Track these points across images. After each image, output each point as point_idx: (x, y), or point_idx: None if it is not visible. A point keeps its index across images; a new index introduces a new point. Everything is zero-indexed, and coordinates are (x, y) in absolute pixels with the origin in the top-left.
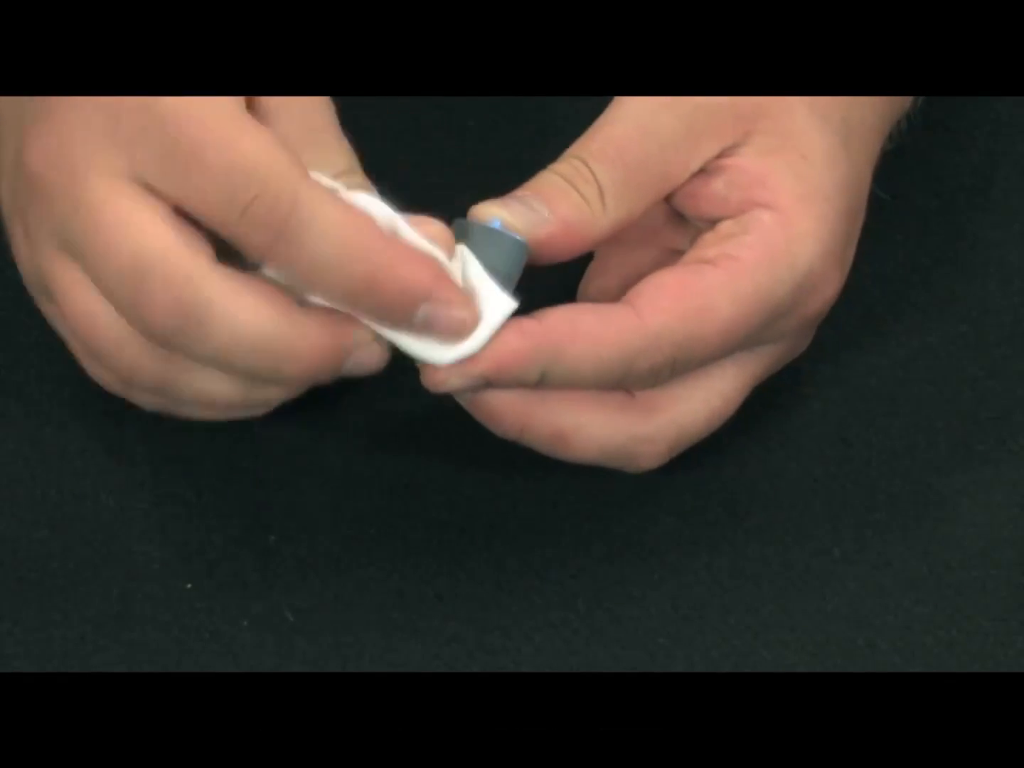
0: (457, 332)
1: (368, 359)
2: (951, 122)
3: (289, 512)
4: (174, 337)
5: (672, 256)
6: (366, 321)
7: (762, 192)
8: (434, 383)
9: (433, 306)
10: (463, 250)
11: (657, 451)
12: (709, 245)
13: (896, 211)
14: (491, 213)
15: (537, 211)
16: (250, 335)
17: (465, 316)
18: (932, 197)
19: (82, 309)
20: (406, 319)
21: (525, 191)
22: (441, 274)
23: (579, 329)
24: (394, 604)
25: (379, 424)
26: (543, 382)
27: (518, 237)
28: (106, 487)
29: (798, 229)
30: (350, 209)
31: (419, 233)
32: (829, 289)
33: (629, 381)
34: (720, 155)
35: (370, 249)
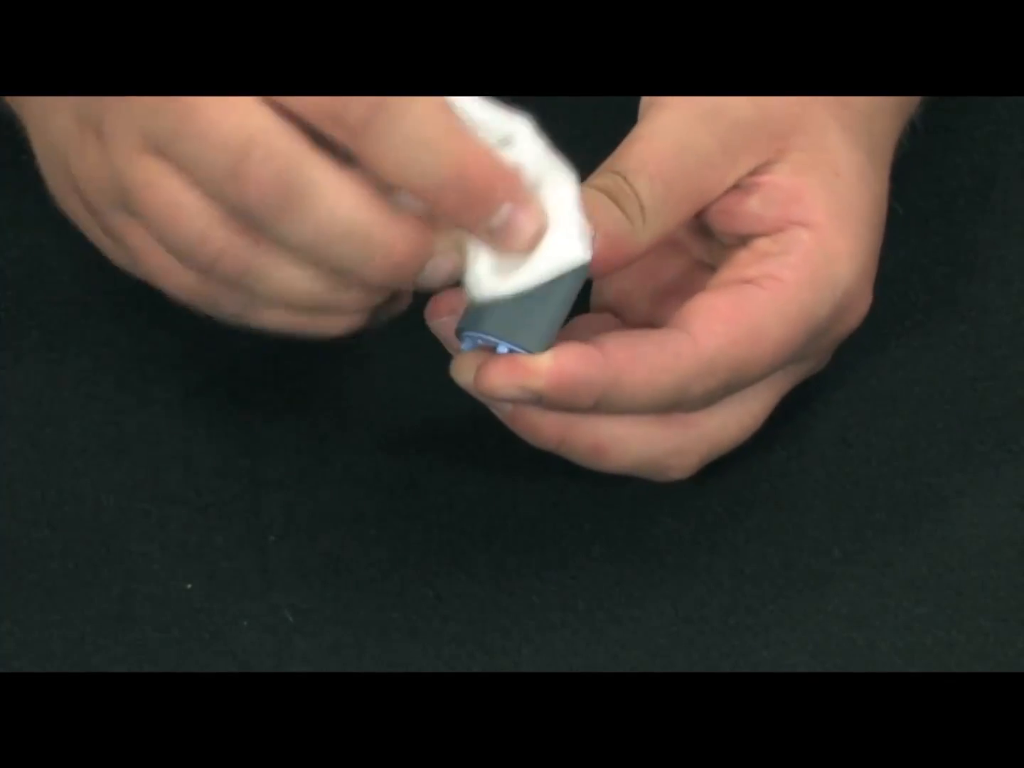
0: (531, 242)
1: (444, 266)
2: (951, 122)
3: (289, 512)
4: (272, 215)
5: (696, 267)
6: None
7: (798, 210)
8: (488, 388)
9: (515, 208)
10: (558, 178)
11: (688, 464)
12: (747, 264)
13: (896, 211)
14: None
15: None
16: (347, 219)
17: (539, 228)
18: (932, 197)
19: (168, 198)
20: (487, 216)
21: None
22: (522, 182)
23: (638, 358)
24: (394, 604)
25: (379, 424)
26: (595, 409)
27: (581, 260)
28: (106, 487)
29: (836, 248)
30: (446, 105)
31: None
32: (863, 306)
33: (682, 405)
34: (754, 172)
35: (465, 140)
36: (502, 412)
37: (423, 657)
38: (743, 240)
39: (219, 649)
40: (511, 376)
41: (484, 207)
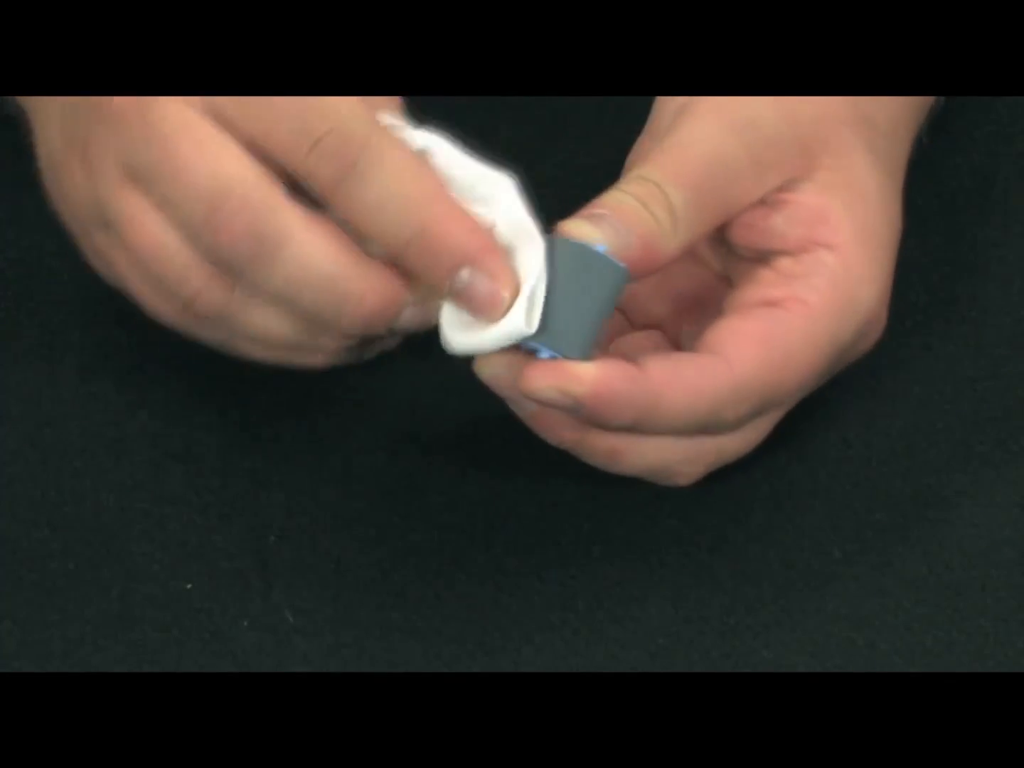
0: (488, 308)
1: (417, 316)
2: (951, 122)
3: (289, 512)
4: (244, 264)
5: (709, 277)
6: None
7: (823, 231)
8: (530, 388)
9: (474, 273)
10: (540, 251)
11: (695, 472)
12: (771, 284)
13: None
14: (590, 235)
15: (623, 234)
16: (318, 269)
17: (504, 295)
18: (932, 197)
19: (148, 235)
20: (446, 277)
21: (603, 209)
22: (492, 246)
23: (677, 381)
24: (394, 604)
25: (379, 424)
26: (632, 427)
27: (622, 265)
28: (106, 487)
29: (859, 273)
30: (417, 159)
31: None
32: (879, 330)
33: (710, 429)
34: (780, 188)
35: (431, 201)
36: (524, 411)
37: (423, 657)
38: (762, 255)
39: (219, 649)
40: (555, 379)
41: (447, 267)
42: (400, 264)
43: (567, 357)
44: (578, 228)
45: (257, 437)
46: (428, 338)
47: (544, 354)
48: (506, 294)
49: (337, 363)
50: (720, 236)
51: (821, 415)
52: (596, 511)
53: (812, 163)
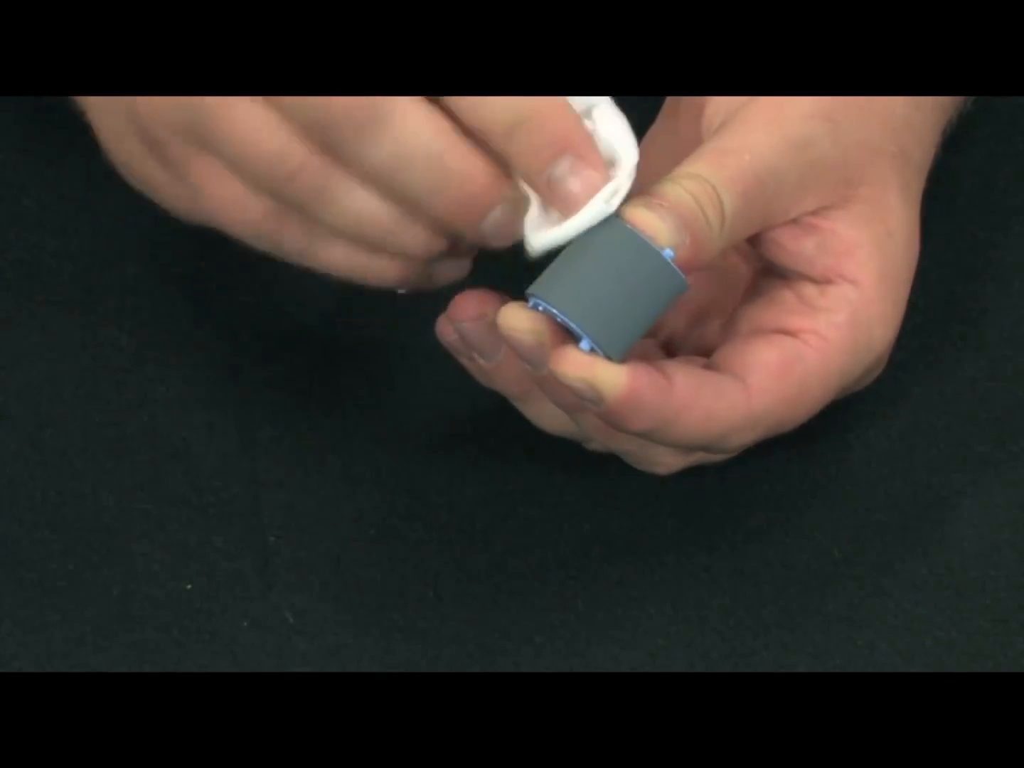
0: (580, 199)
1: (507, 218)
2: (951, 123)
3: (289, 512)
4: (353, 132)
5: (709, 282)
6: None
7: (850, 265)
8: (559, 371)
9: (573, 163)
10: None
11: (676, 463)
12: (794, 311)
13: None
14: (658, 233)
15: (679, 232)
16: (426, 146)
17: (597, 187)
18: (932, 197)
19: (246, 116)
20: (546, 165)
21: (662, 200)
22: (591, 140)
23: (699, 400)
24: (394, 604)
25: (379, 424)
26: (640, 435)
27: (684, 280)
28: (106, 487)
29: (877, 313)
30: None
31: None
32: (881, 367)
33: (711, 450)
34: (814, 213)
35: (540, 97)
36: (537, 372)
37: (423, 657)
38: (782, 272)
39: (219, 649)
40: (589, 373)
41: (548, 153)
42: (505, 147)
43: (606, 354)
44: (646, 221)
45: (257, 437)
46: (428, 338)
47: (584, 344)
48: (599, 187)
49: (409, 284)
50: (745, 245)
51: (821, 415)
52: (596, 511)
53: (850, 192)
